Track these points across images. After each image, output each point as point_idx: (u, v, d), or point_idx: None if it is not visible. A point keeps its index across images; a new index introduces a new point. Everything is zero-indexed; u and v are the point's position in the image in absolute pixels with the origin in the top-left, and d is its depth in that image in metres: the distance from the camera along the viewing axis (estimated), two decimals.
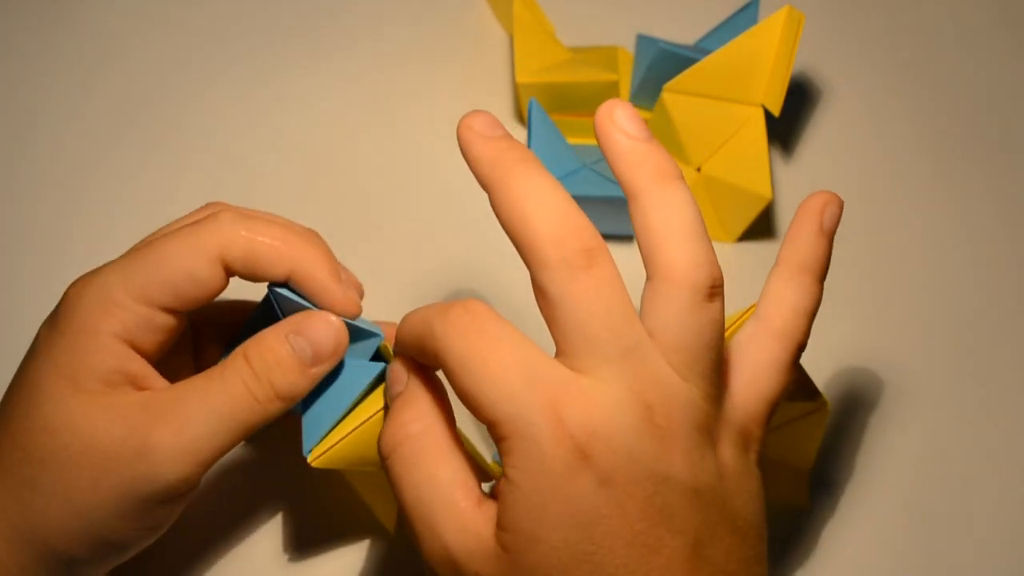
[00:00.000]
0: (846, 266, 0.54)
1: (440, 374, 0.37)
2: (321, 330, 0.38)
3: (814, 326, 0.51)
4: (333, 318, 0.38)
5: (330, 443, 0.38)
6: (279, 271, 0.38)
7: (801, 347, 0.38)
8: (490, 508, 0.34)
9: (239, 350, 0.38)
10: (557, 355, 0.35)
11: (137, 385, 0.38)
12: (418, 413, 0.36)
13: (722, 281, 0.35)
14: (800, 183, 0.56)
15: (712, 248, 0.35)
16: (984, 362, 0.52)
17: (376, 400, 0.39)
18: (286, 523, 0.46)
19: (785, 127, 0.58)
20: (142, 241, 0.41)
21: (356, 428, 0.38)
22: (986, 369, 0.52)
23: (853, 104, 0.59)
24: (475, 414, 0.34)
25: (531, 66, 0.55)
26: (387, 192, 0.55)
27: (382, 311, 0.45)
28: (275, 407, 0.38)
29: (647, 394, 0.34)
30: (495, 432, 0.34)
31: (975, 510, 0.48)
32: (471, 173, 0.36)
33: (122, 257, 0.39)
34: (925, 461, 0.50)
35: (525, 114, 0.54)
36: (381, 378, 0.39)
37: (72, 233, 0.54)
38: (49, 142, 0.56)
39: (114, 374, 0.37)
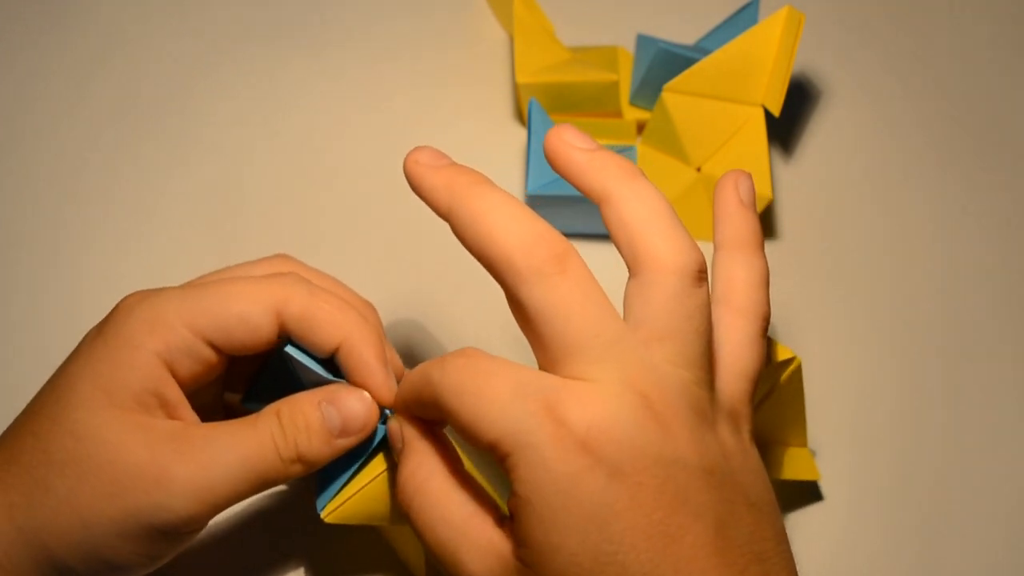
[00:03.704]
0: (847, 264, 0.54)
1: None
2: (355, 406, 0.39)
3: (818, 330, 0.51)
4: (367, 396, 0.39)
5: (341, 500, 0.39)
6: (331, 340, 0.38)
7: (766, 318, 0.38)
8: (509, 528, 0.34)
9: (273, 407, 0.39)
10: (544, 368, 0.35)
11: (168, 412, 0.38)
12: (419, 461, 0.37)
13: (706, 267, 0.35)
14: (800, 183, 0.56)
15: (691, 236, 0.36)
16: (981, 357, 0.52)
17: (383, 459, 0.40)
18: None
19: (785, 127, 0.58)
20: (204, 277, 0.41)
21: (365, 486, 0.39)
22: (985, 365, 0.52)
23: (853, 104, 0.59)
24: (476, 443, 0.34)
25: (531, 66, 0.55)
26: (387, 193, 0.55)
27: (379, 307, 0.45)
28: (295, 469, 0.38)
29: (640, 384, 0.34)
30: (497, 453, 0.33)
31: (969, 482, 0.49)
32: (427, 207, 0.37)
33: (183, 285, 0.39)
34: (931, 454, 0.50)
35: (525, 114, 0.54)
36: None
37: (66, 231, 0.54)
38: (42, 139, 0.56)
39: (149, 395, 0.37)
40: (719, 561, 0.33)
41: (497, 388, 0.33)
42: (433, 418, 0.37)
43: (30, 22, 0.59)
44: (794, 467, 0.48)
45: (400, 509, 0.37)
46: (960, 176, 0.57)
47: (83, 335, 0.40)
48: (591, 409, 0.33)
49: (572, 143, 0.37)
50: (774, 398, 0.45)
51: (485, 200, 0.35)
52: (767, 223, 0.55)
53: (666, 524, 0.32)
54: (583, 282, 0.34)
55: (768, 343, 0.44)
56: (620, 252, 0.36)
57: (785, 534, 0.36)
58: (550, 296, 0.34)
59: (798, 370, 0.45)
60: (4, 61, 0.58)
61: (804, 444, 0.48)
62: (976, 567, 0.48)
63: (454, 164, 0.37)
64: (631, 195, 0.36)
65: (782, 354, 0.44)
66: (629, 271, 0.36)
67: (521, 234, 0.35)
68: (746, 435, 0.37)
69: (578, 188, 0.37)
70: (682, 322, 0.35)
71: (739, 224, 0.39)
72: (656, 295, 0.35)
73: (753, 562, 0.33)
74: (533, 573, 0.33)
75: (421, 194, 0.37)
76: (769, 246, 0.54)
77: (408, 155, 0.37)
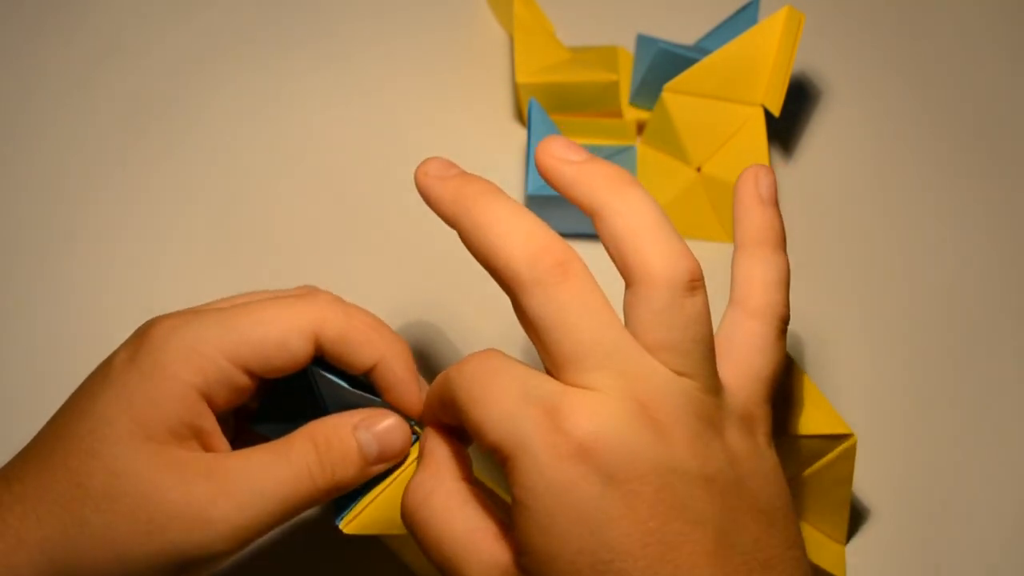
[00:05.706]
0: (847, 264, 0.54)
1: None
2: (392, 432, 0.39)
3: (819, 330, 0.50)
4: (403, 423, 0.39)
5: (360, 508, 0.39)
6: (367, 359, 0.38)
7: (782, 319, 0.38)
8: (512, 539, 0.34)
9: (306, 432, 0.38)
10: (550, 374, 0.35)
11: (202, 442, 0.38)
12: (428, 473, 0.37)
13: (700, 273, 0.35)
14: (800, 183, 0.56)
15: (684, 242, 0.35)
16: (983, 356, 0.52)
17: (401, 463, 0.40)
18: None
19: (785, 127, 0.58)
20: (234, 299, 0.41)
21: (381, 492, 0.39)
22: (986, 365, 0.52)
23: (853, 104, 0.59)
24: (482, 444, 0.34)
25: (531, 66, 0.55)
26: (387, 192, 0.55)
27: (390, 319, 0.45)
28: (327, 496, 0.38)
29: (639, 392, 0.33)
30: (498, 457, 0.33)
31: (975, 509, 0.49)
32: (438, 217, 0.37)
33: (216, 311, 0.39)
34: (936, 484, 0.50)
35: (525, 114, 0.54)
36: None
37: (78, 237, 0.54)
38: (56, 148, 0.56)
39: (184, 427, 0.37)
40: (719, 570, 0.32)
41: (503, 390, 0.34)
42: (455, 421, 0.37)
43: (45, 33, 0.59)
44: (820, 556, 0.45)
45: (405, 523, 0.37)
46: (961, 175, 0.57)
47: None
48: (588, 417, 0.33)
49: (561, 156, 0.37)
50: (819, 475, 0.43)
51: (490, 210, 0.35)
52: None
53: (663, 532, 0.32)
54: (584, 291, 0.34)
55: (827, 409, 0.43)
56: (615, 264, 0.36)
57: (798, 539, 0.35)
58: (551, 305, 0.34)
59: (851, 450, 0.43)
60: (22, 69, 0.58)
61: (841, 540, 0.46)
62: (979, 566, 0.48)
63: (462, 174, 0.37)
64: (621, 207, 0.35)
65: (838, 427, 0.42)
66: (625, 283, 0.35)
67: (525, 244, 0.34)
68: (762, 437, 0.36)
69: (571, 201, 0.37)
70: (678, 332, 0.34)
71: (758, 221, 0.39)
72: (649, 308, 0.34)
73: (756, 569, 0.33)
74: None
75: (430, 205, 0.37)
76: None
77: (419, 167, 0.37)
